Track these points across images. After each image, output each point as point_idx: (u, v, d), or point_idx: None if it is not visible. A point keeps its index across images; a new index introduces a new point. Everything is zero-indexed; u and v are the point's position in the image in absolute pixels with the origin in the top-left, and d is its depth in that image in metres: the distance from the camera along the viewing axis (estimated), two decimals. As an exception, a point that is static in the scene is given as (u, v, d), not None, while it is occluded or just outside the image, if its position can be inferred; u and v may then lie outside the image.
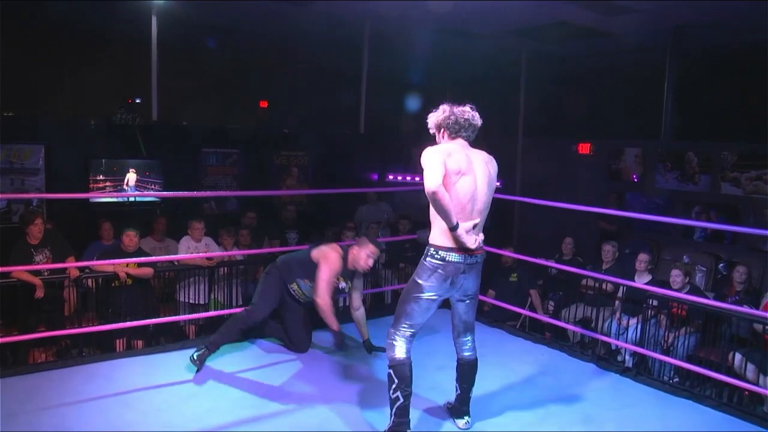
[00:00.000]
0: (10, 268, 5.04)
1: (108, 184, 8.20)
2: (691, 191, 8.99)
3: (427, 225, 6.16)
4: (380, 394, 4.02)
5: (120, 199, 8.40)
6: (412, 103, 10.55)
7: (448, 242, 3.31)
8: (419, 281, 3.40)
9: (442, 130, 3.48)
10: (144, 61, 8.44)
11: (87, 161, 8.07)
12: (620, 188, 9.65)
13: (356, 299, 4.92)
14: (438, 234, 3.36)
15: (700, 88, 9.38)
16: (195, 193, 5.59)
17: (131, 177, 8.31)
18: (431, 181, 3.10)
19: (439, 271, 3.34)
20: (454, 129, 3.42)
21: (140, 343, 5.62)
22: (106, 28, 9.36)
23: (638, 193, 9.58)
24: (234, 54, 10.93)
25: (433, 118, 3.53)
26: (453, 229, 3.22)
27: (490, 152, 3.55)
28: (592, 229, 8.72)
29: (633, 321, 6.19)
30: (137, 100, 9.23)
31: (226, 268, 6.50)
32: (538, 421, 3.76)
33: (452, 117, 3.42)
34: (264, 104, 12.86)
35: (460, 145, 3.40)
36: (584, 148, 9.72)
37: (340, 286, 4.80)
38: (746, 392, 5.03)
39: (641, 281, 6.26)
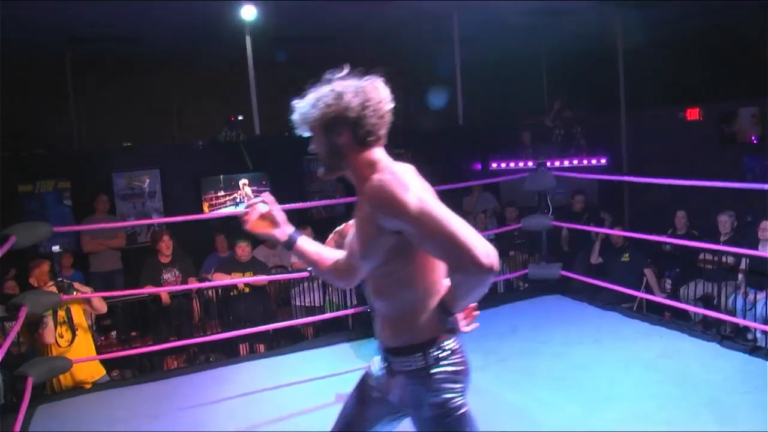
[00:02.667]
0: (140, 291, 5.51)
1: (228, 199, 8.68)
2: (824, 147, 8.32)
3: (533, 212, 6.10)
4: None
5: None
6: (508, 89, 10.41)
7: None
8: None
9: (342, 131, 1.96)
10: (243, 78, 8.84)
11: (198, 180, 8.58)
12: (736, 152, 9.05)
13: None
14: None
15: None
16: (299, 205, 5.81)
17: (247, 190, 8.75)
18: (487, 249, 1.73)
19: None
20: (377, 129, 2.00)
21: (262, 347, 5.92)
22: (204, 54, 9.89)
23: (756, 156, 8.94)
24: (328, 60, 11.19)
25: (325, 106, 1.95)
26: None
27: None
28: (707, 201, 8.25)
29: (761, 295, 5.81)
30: (240, 117, 9.68)
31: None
32: (661, 407, 3.62)
33: (371, 104, 1.96)
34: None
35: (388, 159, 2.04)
36: (693, 114, 9.19)
37: None
38: None
39: (765, 249, 5.87)
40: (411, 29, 9.69)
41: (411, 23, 9.33)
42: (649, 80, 10.06)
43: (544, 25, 9.29)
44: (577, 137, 9.59)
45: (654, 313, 5.76)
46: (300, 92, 2.08)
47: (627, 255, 6.81)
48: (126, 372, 5.73)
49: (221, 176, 8.67)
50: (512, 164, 9.08)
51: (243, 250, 6.32)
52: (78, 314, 4.75)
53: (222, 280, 6.10)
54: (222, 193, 8.66)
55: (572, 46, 10.18)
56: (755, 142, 9.04)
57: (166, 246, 6.21)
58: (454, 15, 9.21)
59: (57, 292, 4.44)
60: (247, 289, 6.13)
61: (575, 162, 8.93)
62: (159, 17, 8.01)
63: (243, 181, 8.75)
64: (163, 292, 5.76)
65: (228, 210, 8.43)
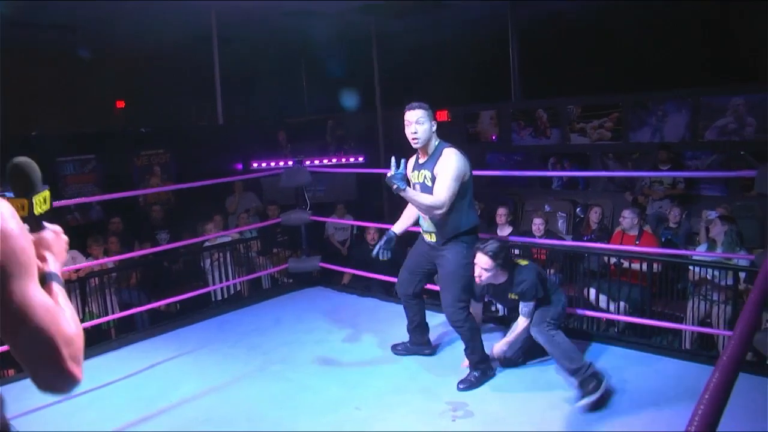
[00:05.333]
0: None
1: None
2: (544, 144, 9.58)
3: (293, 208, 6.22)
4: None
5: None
6: (270, 88, 10.48)
7: None
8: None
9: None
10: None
11: None
12: (480, 149, 10.11)
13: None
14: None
15: (542, 49, 9.99)
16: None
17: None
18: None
19: None
20: None
21: (11, 371, 5.30)
22: None
23: (497, 152, 10.09)
24: (82, 54, 10.38)
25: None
26: None
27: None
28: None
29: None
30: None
31: (97, 279, 6.26)
32: (413, 377, 3.99)
33: None
34: (120, 104, 12.35)
35: None
36: (442, 115, 10.08)
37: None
38: (604, 319, 5.53)
39: (503, 233, 6.64)
40: (171, 25, 9.36)
41: (171, 19, 9.00)
42: (404, 84, 10.82)
43: (303, 27, 9.52)
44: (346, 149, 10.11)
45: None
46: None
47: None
48: None
49: None
50: (273, 163, 9.20)
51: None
52: None
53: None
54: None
55: (332, 49, 10.57)
56: (495, 140, 10.19)
57: None
58: (212, 12, 9.06)
59: None
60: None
61: (334, 160, 9.34)
62: None
63: None
64: None
65: None
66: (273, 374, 4.12)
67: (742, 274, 4.71)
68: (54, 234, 1.31)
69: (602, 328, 5.44)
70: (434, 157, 3.73)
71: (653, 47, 9.10)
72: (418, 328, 4.23)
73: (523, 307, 3.79)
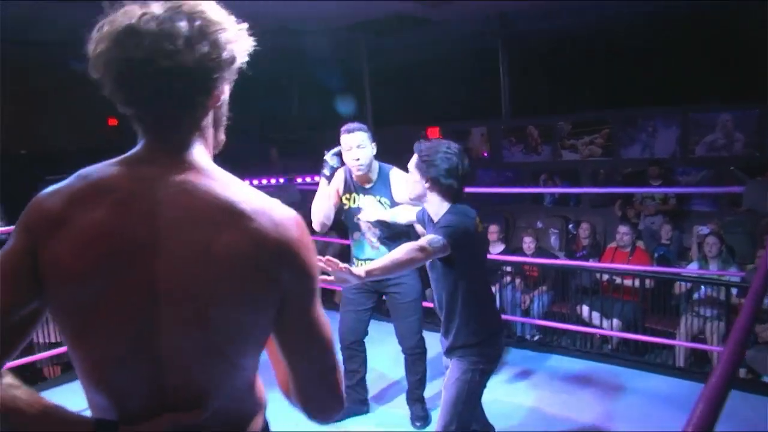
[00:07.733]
0: None
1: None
2: (535, 161, 9.61)
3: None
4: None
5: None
6: (259, 103, 10.54)
7: None
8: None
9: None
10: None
11: None
12: (471, 166, 10.11)
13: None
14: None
15: (533, 66, 10.06)
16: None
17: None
18: None
19: None
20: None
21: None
22: None
23: (488, 169, 10.11)
24: (70, 71, 10.31)
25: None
26: None
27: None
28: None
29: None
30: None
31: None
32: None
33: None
34: (113, 122, 12.28)
35: None
36: (433, 132, 10.10)
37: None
38: (597, 336, 5.53)
39: (495, 251, 6.63)
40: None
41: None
42: (395, 101, 10.85)
43: (292, 45, 9.53)
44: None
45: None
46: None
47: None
48: None
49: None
50: (264, 181, 9.12)
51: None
52: None
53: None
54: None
55: (321, 67, 10.58)
56: (486, 156, 10.22)
57: None
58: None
59: None
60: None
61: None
62: None
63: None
64: None
65: None
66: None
67: (733, 290, 4.72)
68: None
69: (596, 345, 5.44)
70: (383, 181, 3.42)
71: (643, 65, 9.19)
72: (363, 382, 3.70)
73: (431, 232, 2.64)
